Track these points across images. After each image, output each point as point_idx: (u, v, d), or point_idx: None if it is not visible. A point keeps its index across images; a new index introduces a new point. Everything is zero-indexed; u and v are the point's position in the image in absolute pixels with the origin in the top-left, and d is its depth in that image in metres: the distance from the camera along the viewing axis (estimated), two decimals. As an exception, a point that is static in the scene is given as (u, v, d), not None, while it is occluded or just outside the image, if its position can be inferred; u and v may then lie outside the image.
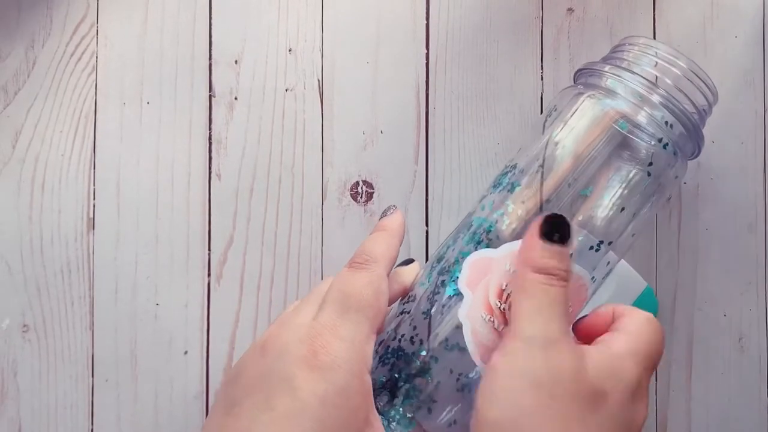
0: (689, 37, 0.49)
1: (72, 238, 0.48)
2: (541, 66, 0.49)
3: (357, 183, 0.48)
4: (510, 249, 0.41)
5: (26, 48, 0.48)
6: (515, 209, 0.42)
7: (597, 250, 0.42)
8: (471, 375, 0.42)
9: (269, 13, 0.49)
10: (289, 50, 0.49)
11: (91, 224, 0.48)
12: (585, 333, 0.40)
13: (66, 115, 0.48)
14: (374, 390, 0.40)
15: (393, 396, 0.41)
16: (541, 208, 0.42)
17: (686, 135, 0.42)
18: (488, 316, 0.40)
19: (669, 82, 0.42)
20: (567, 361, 0.35)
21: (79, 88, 0.48)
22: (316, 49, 0.49)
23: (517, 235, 0.41)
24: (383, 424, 0.40)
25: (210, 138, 0.48)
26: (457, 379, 0.42)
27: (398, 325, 0.43)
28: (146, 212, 0.48)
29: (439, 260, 0.43)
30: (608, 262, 0.42)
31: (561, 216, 0.38)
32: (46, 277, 0.47)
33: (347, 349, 0.36)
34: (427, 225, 0.48)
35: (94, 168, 0.48)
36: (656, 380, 0.48)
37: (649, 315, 0.39)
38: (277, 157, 0.48)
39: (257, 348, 0.38)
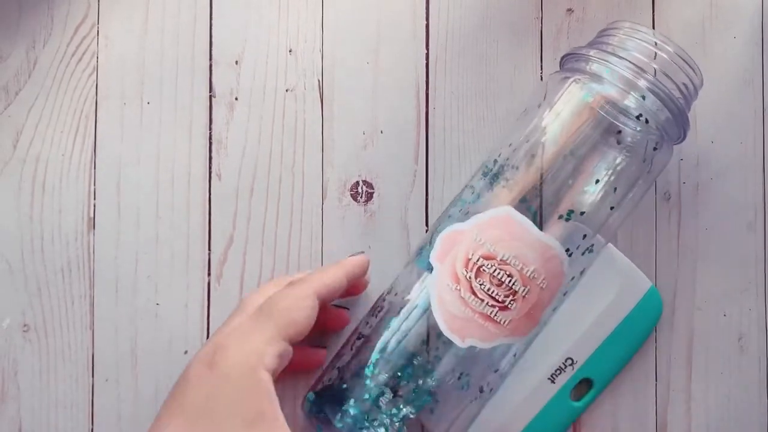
0: (688, 37, 0.49)
1: (72, 238, 0.48)
2: (541, 66, 0.49)
3: (357, 183, 0.48)
4: (478, 220, 0.42)
5: (27, 48, 0.48)
6: (499, 192, 0.42)
7: (567, 219, 0.42)
8: (471, 373, 0.42)
9: (270, 13, 0.49)
10: (290, 50, 0.49)
11: (92, 224, 0.48)
12: None
13: (67, 115, 0.48)
14: (377, 388, 0.41)
15: (395, 395, 0.41)
16: (530, 193, 0.42)
17: (672, 119, 0.42)
18: (455, 285, 0.41)
19: (654, 66, 0.42)
20: None
21: (79, 88, 0.48)
22: (317, 49, 0.49)
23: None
24: (386, 423, 0.40)
25: (210, 138, 0.48)
26: (459, 378, 0.42)
27: (398, 325, 0.43)
28: (146, 212, 0.48)
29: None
30: (585, 235, 0.42)
31: None
32: (47, 276, 0.47)
33: (242, 350, 0.39)
34: (427, 225, 0.48)
35: (95, 168, 0.48)
36: (656, 380, 0.48)
37: None
38: (277, 157, 0.48)
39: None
